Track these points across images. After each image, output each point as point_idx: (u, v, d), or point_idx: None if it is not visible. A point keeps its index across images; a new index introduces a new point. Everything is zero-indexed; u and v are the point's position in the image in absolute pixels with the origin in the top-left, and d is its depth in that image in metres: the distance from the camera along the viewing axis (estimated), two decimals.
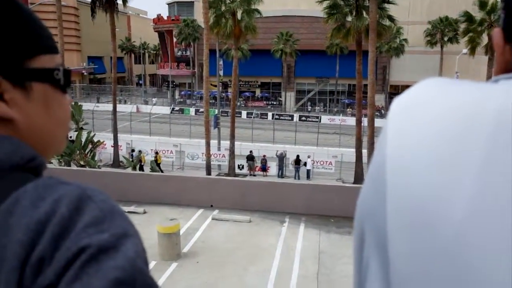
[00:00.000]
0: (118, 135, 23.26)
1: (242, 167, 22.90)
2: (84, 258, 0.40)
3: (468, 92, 0.32)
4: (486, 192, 0.29)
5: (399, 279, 0.29)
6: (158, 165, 21.35)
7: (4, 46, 0.51)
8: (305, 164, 22.06)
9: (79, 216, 0.43)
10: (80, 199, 0.44)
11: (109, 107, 25.77)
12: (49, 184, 0.46)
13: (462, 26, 26.73)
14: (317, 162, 22.51)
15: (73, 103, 20.04)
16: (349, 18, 20.94)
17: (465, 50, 27.64)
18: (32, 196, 0.44)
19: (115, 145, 22.91)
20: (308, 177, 21.75)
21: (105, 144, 23.13)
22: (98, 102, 45.54)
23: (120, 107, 30.07)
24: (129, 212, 11.97)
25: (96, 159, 20.63)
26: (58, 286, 0.39)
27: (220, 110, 26.79)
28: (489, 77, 23.89)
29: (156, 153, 22.00)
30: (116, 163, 22.58)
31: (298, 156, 22.31)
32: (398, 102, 0.34)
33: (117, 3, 23.36)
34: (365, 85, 19.80)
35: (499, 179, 0.29)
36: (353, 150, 21.35)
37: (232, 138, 21.84)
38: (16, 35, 0.52)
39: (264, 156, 22.97)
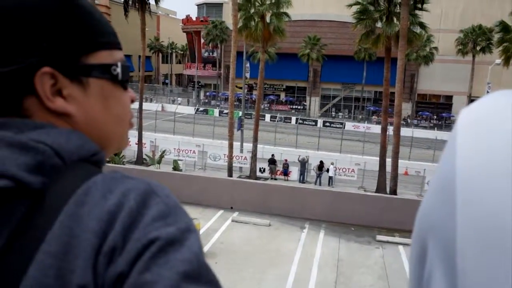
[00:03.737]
0: (143, 133, 23.60)
1: (264, 171, 22.83)
2: (153, 250, 0.42)
3: None
4: None
5: None
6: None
7: (61, 43, 0.52)
8: (327, 170, 21.81)
9: (146, 209, 0.45)
10: (146, 193, 0.46)
11: (135, 105, 26.17)
12: (116, 177, 0.48)
13: (497, 36, 25.96)
14: (339, 169, 22.23)
15: None
16: (379, 24, 20.62)
17: (498, 61, 26.82)
18: (101, 188, 0.46)
19: (139, 143, 23.25)
20: (330, 184, 21.48)
21: (129, 141, 23.47)
22: None
23: (146, 106, 30.51)
24: None
25: (121, 155, 21.01)
26: (129, 275, 0.41)
27: (244, 112, 26.84)
28: None
29: None
30: (139, 160, 22.91)
31: (321, 161, 22.09)
32: (468, 112, 0.34)
33: (149, 3, 23.74)
34: (392, 93, 19.46)
35: None
36: (377, 158, 20.96)
37: (255, 141, 21.82)
38: (73, 32, 0.53)
39: (286, 160, 22.85)
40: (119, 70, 0.58)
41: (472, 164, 0.30)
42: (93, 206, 0.45)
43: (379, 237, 11.88)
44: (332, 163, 21.81)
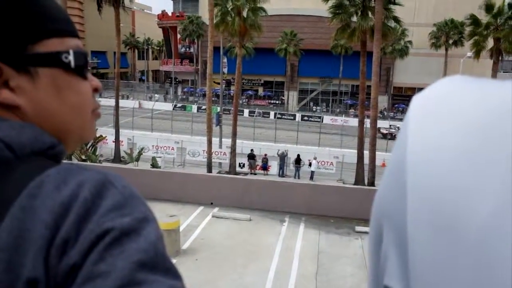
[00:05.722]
0: (120, 130, 23.23)
1: (243, 166, 22.87)
2: (107, 240, 0.41)
3: (492, 87, 0.31)
4: None
5: (418, 279, 0.28)
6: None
7: (5, 31, 0.49)
8: (310, 164, 21.98)
9: (101, 200, 0.44)
10: (102, 184, 0.45)
11: (112, 102, 25.75)
12: (71, 169, 0.47)
13: (468, 29, 26.59)
14: (318, 162, 22.49)
15: None
16: (354, 19, 20.85)
17: (469, 54, 27.49)
18: (55, 180, 0.45)
19: (117, 141, 22.89)
20: (311, 178, 21.66)
21: (106, 139, 23.10)
22: (100, 96, 45.56)
23: (123, 103, 30.04)
24: None
25: (97, 153, 20.63)
26: (83, 266, 0.40)
27: (223, 108, 26.74)
28: None
29: None
30: (117, 158, 22.57)
31: (298, 155, 22.26)
32: (419, 96, 0.34)
33: None
34: (369, 86, 19.72)
35: None
36: (355, 151, 21.27)
37: (234, 136, 21.80)
38: (18, 19, 0.50)
39: (265, 155, 22.93)
40: (71, 57, 0.54)
41: (421, 148, 0.30)
42: (45, 198, 0.43)
43: (358, 228, 12.07)
44: (315, 158, 21.99)
